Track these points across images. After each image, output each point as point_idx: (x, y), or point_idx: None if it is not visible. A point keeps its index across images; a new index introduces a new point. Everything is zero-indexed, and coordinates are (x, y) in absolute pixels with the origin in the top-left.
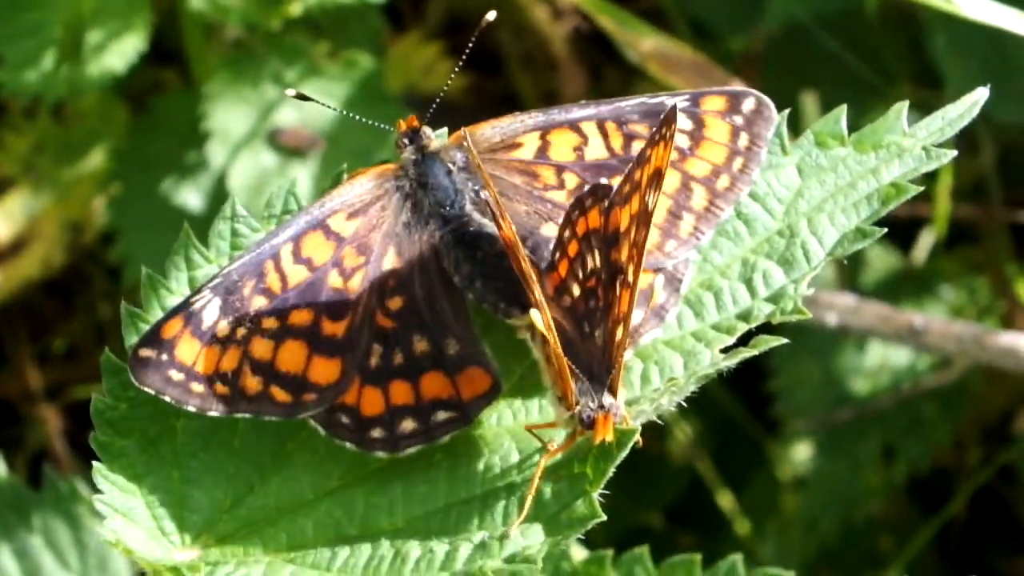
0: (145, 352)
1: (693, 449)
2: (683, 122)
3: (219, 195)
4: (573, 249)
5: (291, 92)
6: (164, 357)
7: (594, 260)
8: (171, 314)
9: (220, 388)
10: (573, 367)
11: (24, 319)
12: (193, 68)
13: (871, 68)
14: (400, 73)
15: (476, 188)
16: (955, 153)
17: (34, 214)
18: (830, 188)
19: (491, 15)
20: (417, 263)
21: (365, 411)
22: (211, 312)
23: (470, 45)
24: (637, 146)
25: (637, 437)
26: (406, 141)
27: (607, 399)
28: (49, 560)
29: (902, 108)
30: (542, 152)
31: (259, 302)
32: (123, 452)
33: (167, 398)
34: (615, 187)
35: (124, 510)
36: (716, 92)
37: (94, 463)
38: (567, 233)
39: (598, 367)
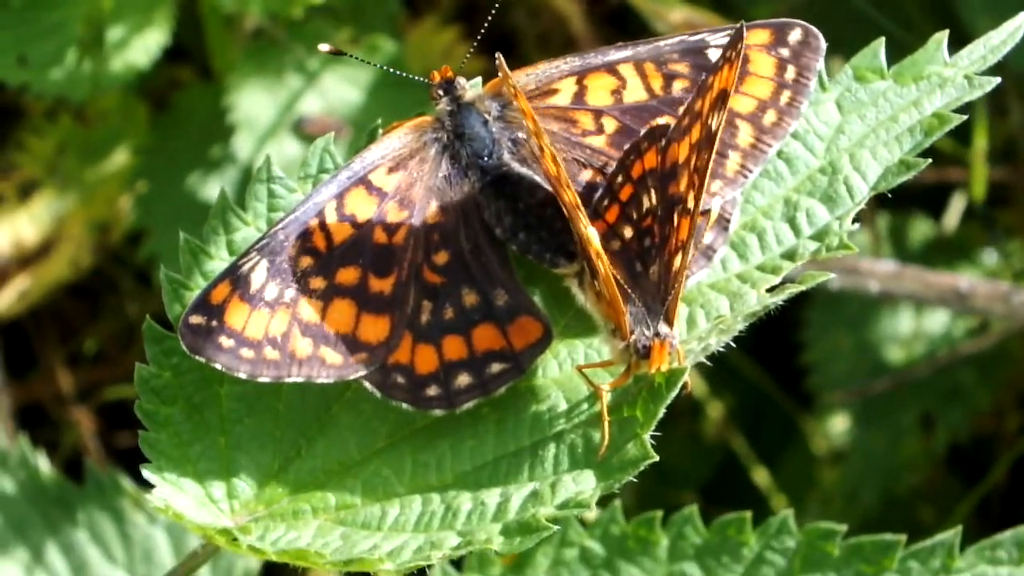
0: (195, 319)
1: (726, 427)
2: None
3: (246, 187)
4: (626, 193)
5: (325, 47)
6: (214, 323)
7: (650, 199)
8: (219, 279)
9: (270, 353)
10: (629, 293)
11: (53, 322)
12: (213, 61)
13: (903, 29)
14: (419, 58)
15: (513, 137)
16: (999, 80)
17: (60, 215)
18: (871, 122)
19: None
20: (461, 216)
21: (419, 369)
22: (259, 275)
23: (485, 25)
24: (678, 86)
25: (686, 377)
26: (440, 92)
27: (663, 328)
28: (95, 554)
29: (942, 38)
30: (579, 97)
31: (306, 262)
32: (169, 420)
33: (218, 365)
34: (672, 125)
35: (172, 479)
36: (760, 25)
37: (140, 432)
38: (620, 179)
39: (652, 300)
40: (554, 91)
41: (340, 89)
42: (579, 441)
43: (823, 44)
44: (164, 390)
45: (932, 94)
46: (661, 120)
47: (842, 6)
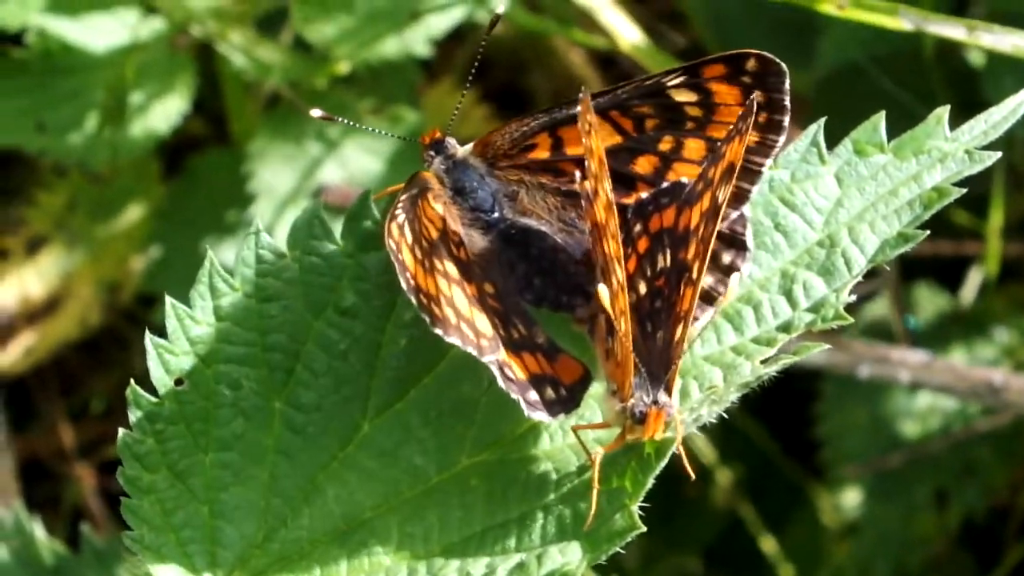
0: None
1: (734, 493)
2: (688, 95)
3: None
4: (643, 245)
5: (317, 112)
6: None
7: (664, 259)
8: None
9: (434, 308)
10: (636, 359)
11: (56, 375)
12: (231, 124)
13: (925, 107)
14: (435, 121)
15: (507, 192)
16: (999, 155)
17: (68, 272)
18: (870, 196)
19: (500, 9)
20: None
21: (516, 374)
22: (407, 231)
23: (478, 55)
24: (650, 124)
25: (677, 446)
26: (432, 153)
27: (662, 396)
28: None
29: (943, 113)
30: (557, 149)
31: (424, 243)
32: (151, 487)
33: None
34: (690, 186)
35: (154, 547)
36: (712, 60)
37: (122, 499)
38: (638, 228)
39: (656, 366)
40: (532, 146)
41: (361, 159)
42: (567, 512)
43: (784, 67)
44: (147, 456)
45: (932, 168)
46: (642, 159)
47: (866, 83)
